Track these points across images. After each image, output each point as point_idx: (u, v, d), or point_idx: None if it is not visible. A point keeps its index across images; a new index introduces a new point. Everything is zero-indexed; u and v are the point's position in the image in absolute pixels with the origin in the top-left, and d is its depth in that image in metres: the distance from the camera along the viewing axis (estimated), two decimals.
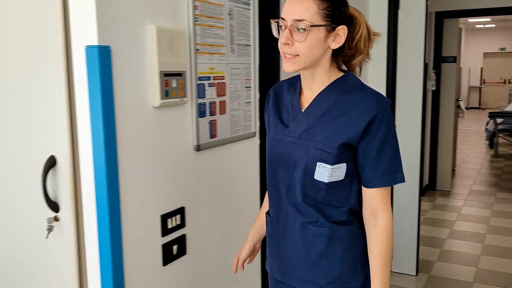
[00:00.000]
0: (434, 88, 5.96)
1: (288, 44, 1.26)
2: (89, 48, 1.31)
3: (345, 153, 1.30)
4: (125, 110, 1.40)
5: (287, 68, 1.30)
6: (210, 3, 1.71)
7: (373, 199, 1.33)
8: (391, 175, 1.32)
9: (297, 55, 1.27)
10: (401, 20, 3.48)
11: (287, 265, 1.47)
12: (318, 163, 1.30)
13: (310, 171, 1.32)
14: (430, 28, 5.85)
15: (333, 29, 1.28)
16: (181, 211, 1.66)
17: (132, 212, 1.45)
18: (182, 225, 1.67)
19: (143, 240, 1.51)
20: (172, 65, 1.54)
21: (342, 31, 1.29)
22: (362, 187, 1.36)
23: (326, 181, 1.31)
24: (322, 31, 1.26)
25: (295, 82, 1.45)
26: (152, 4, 1.48)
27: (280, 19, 1.28)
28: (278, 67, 2.20)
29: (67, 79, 1.39)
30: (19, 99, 1.53)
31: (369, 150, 1.30)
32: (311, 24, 1.24)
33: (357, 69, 1.41)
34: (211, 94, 1.75)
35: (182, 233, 1.67)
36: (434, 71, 5.97)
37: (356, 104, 1.29)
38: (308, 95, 1.38)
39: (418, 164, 3.57)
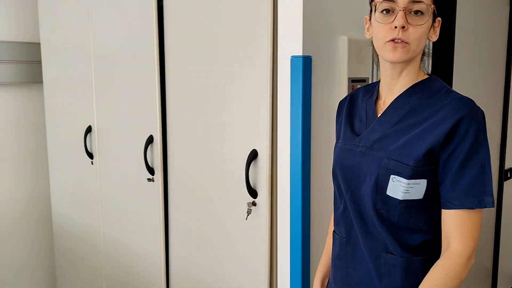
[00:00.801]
0: None
1: (404, 27, 1.08)
2: (294, 58, 1.50)
3: (426, 167, 1.10)
4: (317, 113, 1.57)
5: (396, 57, 1.11)
6: None
7: (450, 224, 1.08)
8: (477, 196, 1.06)
9: (407, 43, 1.09)
10: None
11: None
12: (392, 176, 1.12)
13: (382, 185, 1.14)
14: None
15: (435, 18, 1.13)
16: None
17: (318, 202, 1.62)
18: None
19: (325, 228, 1.67)
20: (358, 72, 1.68)
21: (438, 23, 1.14)
22: (442, 210, 1.12)
23: (401, 198, 1.11)
24: (431, 18, 1.11)
25: (371, 88, 1.30)
26: (344, 17, 1.63)
27: (385, 1, 1.10)
28: (451, 72, 2.22)
29: (271, 84, 1.60)
30: (228, 100, 1.78)
31: (451, 162, 1.08)
32: (433, 5, 1.09)
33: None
34: None
35: None
36: None
37: (440, 109, 1.10)
38: (387, 100, 1.22)
39: None
